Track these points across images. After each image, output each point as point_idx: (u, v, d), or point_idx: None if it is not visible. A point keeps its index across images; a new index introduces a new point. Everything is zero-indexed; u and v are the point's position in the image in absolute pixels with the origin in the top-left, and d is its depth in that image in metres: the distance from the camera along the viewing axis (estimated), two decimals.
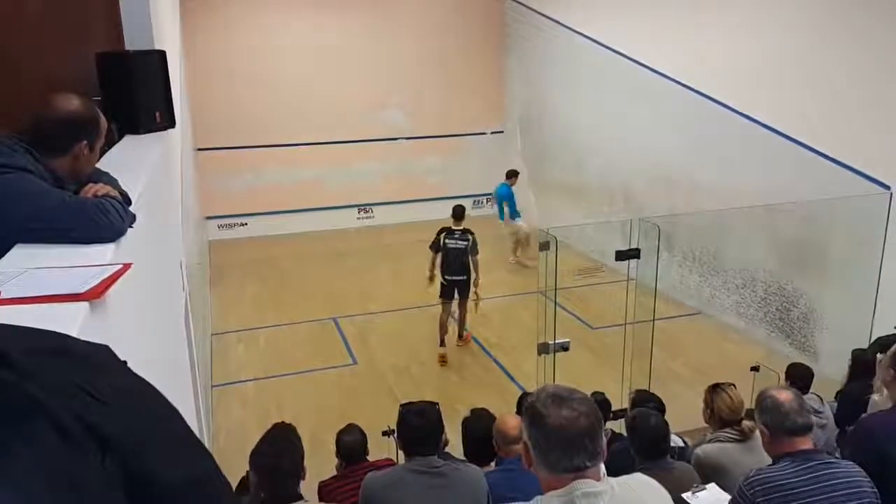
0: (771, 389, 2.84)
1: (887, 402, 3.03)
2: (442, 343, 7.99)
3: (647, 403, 4.35)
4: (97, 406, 0.57)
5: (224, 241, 12.69)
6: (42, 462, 0.50)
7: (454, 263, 7.79)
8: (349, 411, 6.07)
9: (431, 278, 8.01)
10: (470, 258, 7.79)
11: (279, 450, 2.98)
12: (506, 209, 10.87)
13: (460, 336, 8.30)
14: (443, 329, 7.97)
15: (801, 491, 2.54)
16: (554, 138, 12.54)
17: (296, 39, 12.74)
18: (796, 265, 7.66)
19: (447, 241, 7.80)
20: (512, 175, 10.82)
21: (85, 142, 1.99)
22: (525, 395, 4.86)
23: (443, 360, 7.90)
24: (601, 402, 4.43)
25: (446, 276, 7.87)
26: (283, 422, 3.34)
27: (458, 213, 7.91)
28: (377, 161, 13.58)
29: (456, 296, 7.96)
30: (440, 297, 8.01)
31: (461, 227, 7.84)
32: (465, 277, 7.83)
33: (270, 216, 13.10)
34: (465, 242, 7.76)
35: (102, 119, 2.08)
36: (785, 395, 2.73)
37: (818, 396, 4.64)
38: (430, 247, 7.93)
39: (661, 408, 4.37)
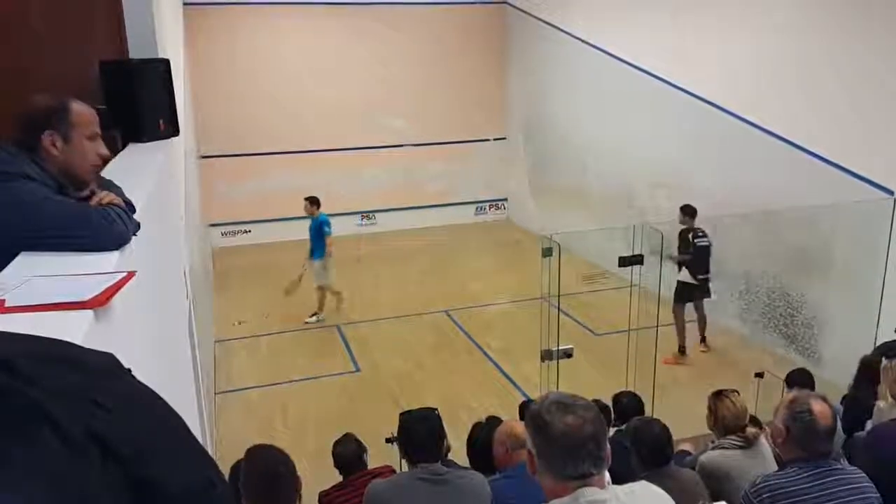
0: (811, 400, 2.66)
1: (893, 410, 3.02)
2: (684, 350, 7.80)
3: (623, 399, 4.70)
4: (100, 412, 0.57)
5: (227, 248, 12.71)
6: (43, 466, 0.50)
7: (707, 262, 7.65)
8: (352, 418, 6.06)
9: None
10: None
11: (275, 460, 2.90)
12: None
13: (704, 340, 8.01)
14: (683, 334, 7.77)
15: (808, 497, 2.53)
16: (555, 144, 12.54)
17: (299, 47, 12.80)
18: (800, 270, 7.63)
19: (697, 240, 7.56)
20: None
21: (49, 132, 1.90)
22: (528, 402, 4.84)
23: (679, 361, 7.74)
24: (602, 408, 4.47)
25: (699, 276, 7.65)
26: (261, 443, 3.24)
27: (693, 211, 7.73)
28: (380, 168, 13.57)
29: (695, 296, 7.77)
30: (684, 300, 7.77)
31: (698, 226, 7.67)
32: (709, 276, 7.74)
33: (273, 223, 13.09)
34: (709, 239, 7.63)
35: (73, 108, 1.96)
36: (822, 414, 2.58)
37: None
38: (682, 247, 7.62)
39: (638, 400, 4.73)
